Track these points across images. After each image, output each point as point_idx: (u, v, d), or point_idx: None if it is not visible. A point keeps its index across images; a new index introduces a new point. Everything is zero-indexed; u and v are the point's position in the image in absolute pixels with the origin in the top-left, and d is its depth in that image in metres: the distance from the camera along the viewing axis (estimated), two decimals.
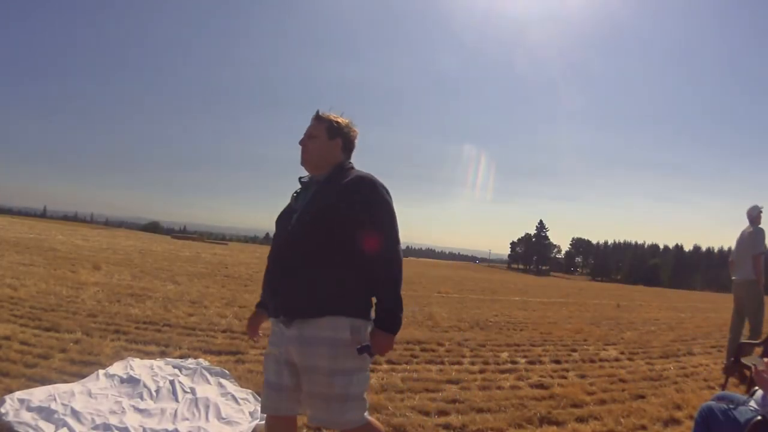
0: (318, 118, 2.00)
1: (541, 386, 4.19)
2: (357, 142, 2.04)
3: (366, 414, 1.88)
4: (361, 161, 2.03)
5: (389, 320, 1.81)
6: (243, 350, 4.54)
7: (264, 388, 1.98)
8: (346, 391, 1.81)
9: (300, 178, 2.05)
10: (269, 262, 1.95)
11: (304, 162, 1.99)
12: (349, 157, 2.02)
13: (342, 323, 1.81)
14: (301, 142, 1.99)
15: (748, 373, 3.22)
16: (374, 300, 1.87)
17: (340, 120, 2.01)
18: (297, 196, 2.00)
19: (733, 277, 5.75)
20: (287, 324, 1.85)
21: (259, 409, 3.03)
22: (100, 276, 9.18)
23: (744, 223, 5.71)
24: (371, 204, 1.84)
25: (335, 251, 1.82)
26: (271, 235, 2.15)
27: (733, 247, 5.91)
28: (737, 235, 5.77)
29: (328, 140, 1.96)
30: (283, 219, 1.97)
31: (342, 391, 1.80)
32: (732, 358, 4.25)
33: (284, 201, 2.04)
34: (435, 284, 17.58)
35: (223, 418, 2.86)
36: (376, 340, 1.82)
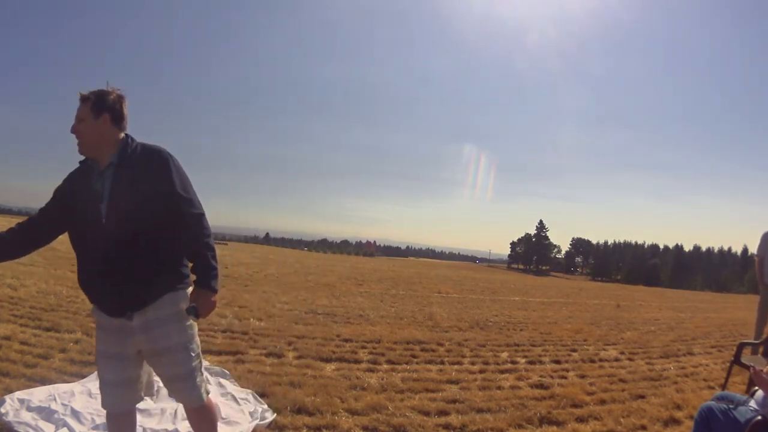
0: (81, 100, 1.87)
1: (541, 386, 4.19)
2: (126, 108, 1.91)
3: None
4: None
5: (213, 279, 1.86)
6: (243, 350, 4.55)
7: (105, 387, 1.95)
8: (199, 358, 1.96)
9: (81, 161, 1.93)
10: (87, 260, 1.86)
11: (81, 150, 1.87)
12: (123, 128, 1.90)
13: (179, 296, 1.89)
14: (72, 130, 1.86)
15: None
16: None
17: (101, 92, 1.87)
18: (95, 181, 1.85)
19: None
20: (129, 317, 1.85)
21: (259, 409, 3.03)
22: None
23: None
24: (171, 172, 1.85)
25: (157, 229, 1.82)
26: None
27: (758, 246, 5.82)
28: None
29: (95, 120, 1.84)
30: (85, 206, 1.84)
31: (197, 359, 1.94)
32: (732, 358, 4.25)
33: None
34: (435, 284, 17.55)
35: (223, 418, 2.85)
36: (203, 300, 1.86)
